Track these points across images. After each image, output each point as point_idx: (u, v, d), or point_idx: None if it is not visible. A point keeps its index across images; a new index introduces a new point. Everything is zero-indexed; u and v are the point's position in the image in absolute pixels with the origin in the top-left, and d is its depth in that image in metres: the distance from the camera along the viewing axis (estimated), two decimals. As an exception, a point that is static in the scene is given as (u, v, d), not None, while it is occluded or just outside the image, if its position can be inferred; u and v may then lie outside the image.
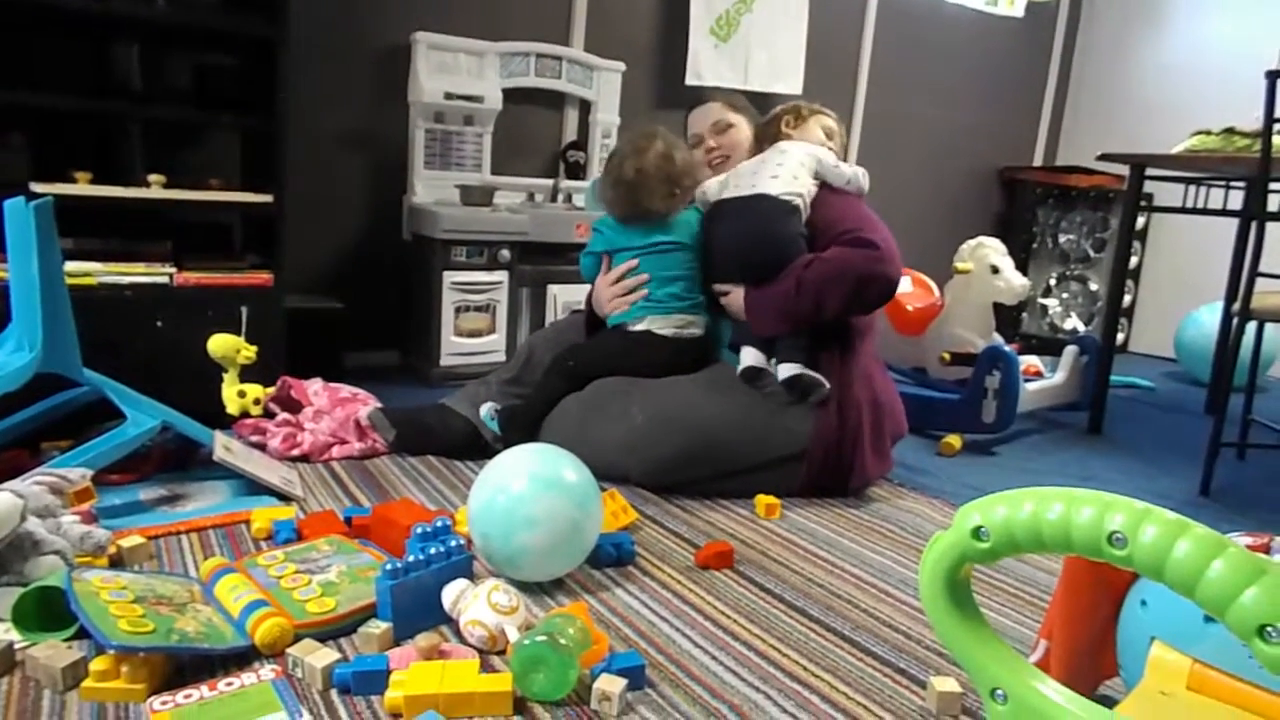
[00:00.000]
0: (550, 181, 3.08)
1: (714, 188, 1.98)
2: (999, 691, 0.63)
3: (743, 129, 2.09)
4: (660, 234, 1.94)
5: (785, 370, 1.80)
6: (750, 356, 1.86)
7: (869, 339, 1.95)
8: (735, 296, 1.90)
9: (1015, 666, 0.63)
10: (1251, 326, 2.18)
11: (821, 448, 1.82)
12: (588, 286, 2.79)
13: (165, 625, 1.07)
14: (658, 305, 1.93)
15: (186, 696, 0.99)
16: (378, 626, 1.14)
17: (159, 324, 1.99)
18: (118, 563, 1.31)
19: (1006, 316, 3.59)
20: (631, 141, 1.96)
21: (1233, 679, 0.72)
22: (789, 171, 1.89)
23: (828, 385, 1.80)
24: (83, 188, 1.94)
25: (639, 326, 1.94)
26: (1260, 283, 2.07)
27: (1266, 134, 2.07)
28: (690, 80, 3.31)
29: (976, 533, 0.59)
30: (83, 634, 1.05)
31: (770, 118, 2.11)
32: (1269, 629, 0.47)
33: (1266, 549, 0.80)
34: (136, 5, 1.99)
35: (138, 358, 1.92)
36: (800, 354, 1.81)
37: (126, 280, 1.97)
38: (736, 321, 1.93)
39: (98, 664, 1.00)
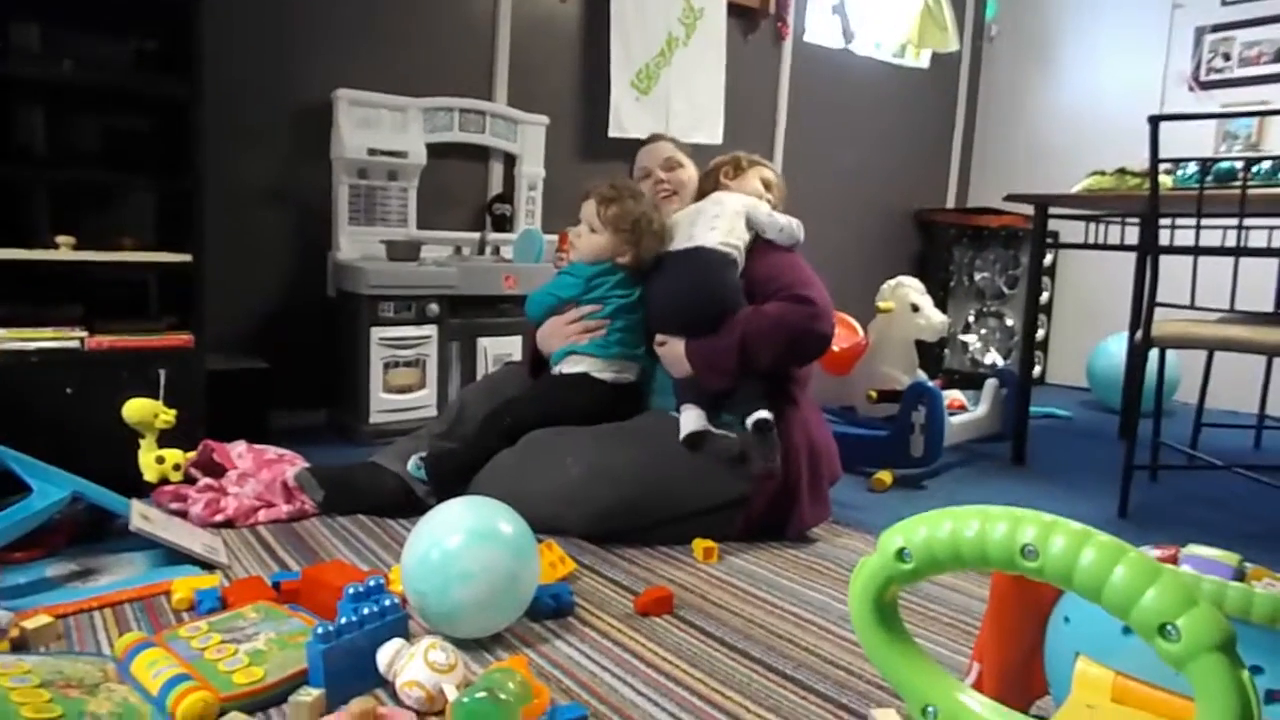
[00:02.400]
0: (477, 234, 3.08)
1: None
2: (930, 708, 0.65)
3: (689, 170, 2.15)
4: (624, 286, 1.96)
5: (755, 416, 1.80)
6: (690, 421, 1.83)
7: (807, 386, 1.99)
8: (674, 348, 1.90)
9: (943, 683, 0.65)
10: (1154, 354, 2.29)
11: (760, 495, 1.83)
12: (518, 339, 2.81)
13: (75, 709, 1.00)
14: (603, 350, 1.94)
15: (100, 782, 0.93)
16: (309, 694, 1.10)
17: (69, 390, 1.91)
18: (21, 646, 1.23)
19: (929, 353, 3.72)
20: (634, 192, 1.98)
21: (1153, 688, 0.75)
22: (725, 223, 1.93)
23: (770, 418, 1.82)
24: (-15, 251, 1.86)
25: (578, 369, 1.94)
26: (1159, 312, 2.19)
27: (1154, 174, 2.21)
28: (613, 132, 3.38)
29: (900, 554, 0.61)
30: (-17, 724, 0.98)
31: (710, 169, 2.15)
32: (1169, 626, 0.50)
33: (1174, 559, 0.83)
34: (41, 67, 1.94)
35: (47, 426, 1.83)
36: (764, 400, 1.83)
37: (33, 346, 1.88)
38: (670, 375, 1.93)
39: (1, 754, 0.94)
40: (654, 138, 2.23)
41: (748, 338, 1.81)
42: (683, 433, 1.82)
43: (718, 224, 1.93)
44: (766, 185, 2.10)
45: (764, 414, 1.80)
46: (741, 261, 1.93)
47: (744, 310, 1.85)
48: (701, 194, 2.10)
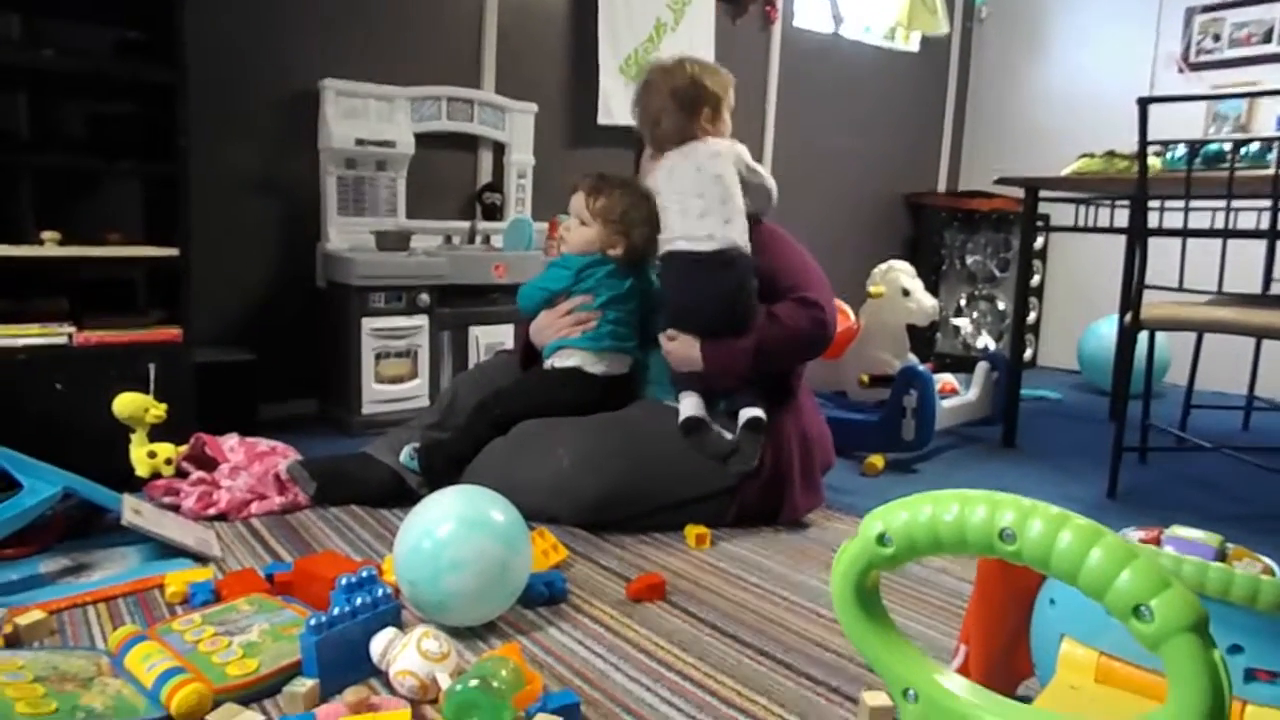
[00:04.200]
0: (467, 224, 3.08)
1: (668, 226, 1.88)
2: (910, 691, 0.65)
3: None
4: (617, 276, 1.95)
5: (749, 413, 1.81)
6: (690, 406, 1.83)
7: (801, 373, 2.00)
8: (688, 348, 1.85)
9: (924, 666, 0.66)
10: (1144, 336, 2.30)
11: (752, 483, 1.84)
12: (510, 328, 2.81)
13: (69, 703, 1.01)
14: (594, 343, 1.93)
15: (95, 775, 0.93)
16: (303, 684, 1.10)
17: (58, 386, 1.90)
18: (15, 642, 1.23)
19: (921, 337, 3.72)
20: (623, 183, 1.95)
21: (1136, 668, 0.76)
22: (737, 204, 1.83)
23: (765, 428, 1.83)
24: (-30, 248, 1.85)
25: (570, 362, 1.94)
26: (1149, 294, 2.20)
27: (1142, 156, 2.22)
28: (602, 119, 3.37)
29: (880, 539, 0.62)
30: (-22, 719, 0.99)
31: (684, 100, 1.90)
32: (1142, 608, 0.50)
33: (1157, 541, 0.84)
34: (22, 53, 1.92)
35: (37, 422, 1.83)
36: (761, 399, 1.84)
37: (20, 342, 1.88)
38: (676, 370, 1.90)
39: (-5, 749, 0.94)
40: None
41: (763, 346, 1.81)
42: (681, 416, 1.83)
43: (730, 210, 1.82)
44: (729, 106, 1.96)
45: (757, 412, 1.80)
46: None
47: (760, 316, 1.84)
48: (676, 134, 1.90)
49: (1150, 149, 2.22)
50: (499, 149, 3.17)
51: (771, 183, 1.95)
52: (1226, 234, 2.10)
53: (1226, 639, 0.75)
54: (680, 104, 1.90)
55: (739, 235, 1.83)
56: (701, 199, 1.84)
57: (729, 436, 1.82)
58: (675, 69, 1.94)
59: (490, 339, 2.80)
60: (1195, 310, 2.18)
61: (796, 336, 1.82)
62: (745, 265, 1.83)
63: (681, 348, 1.86)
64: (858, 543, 0.63)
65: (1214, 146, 2.36)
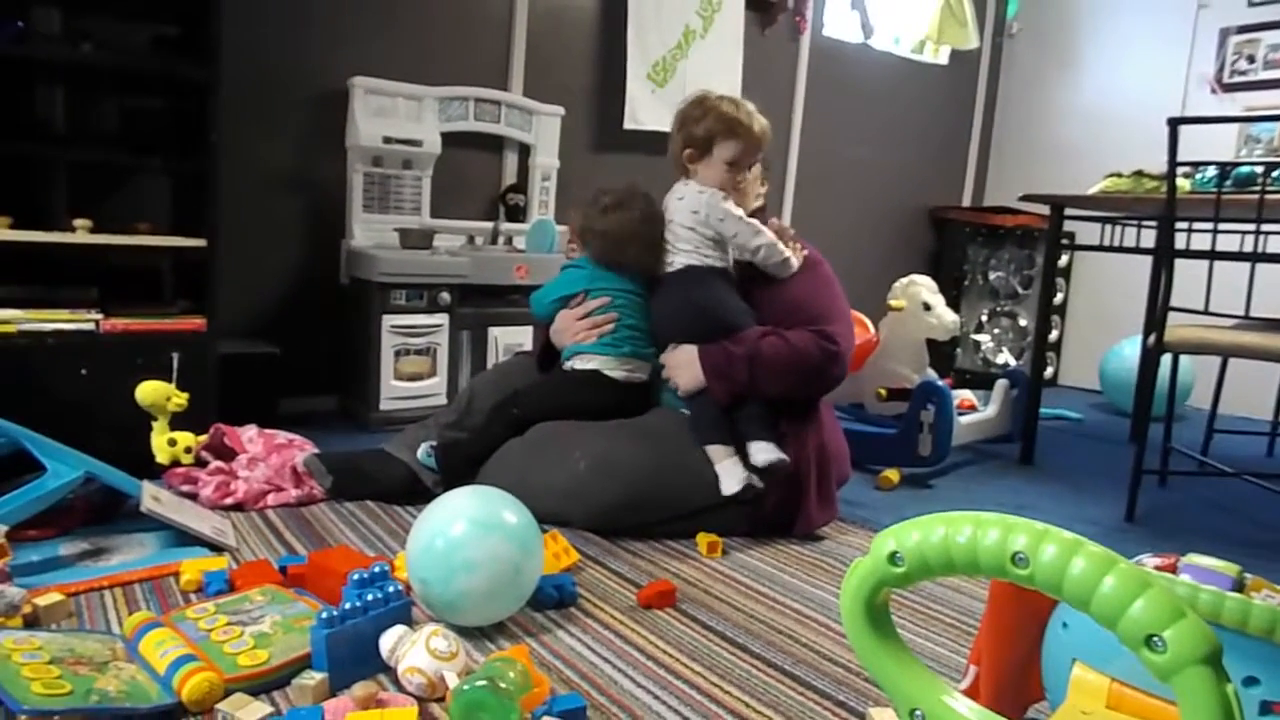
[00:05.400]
0: (490, 224, 3.09)
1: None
2: (917, 712, 0.65)
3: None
4: (633, 282, 1.96)
5: (761, 454, 1.77)
6: (735, 478, 1.77)
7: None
8: (685, 351, 1.85)
9: (932, 687, 0.65)
10: (1167, 359, 2.28)
11: (769, 495, 1.82)
12: (529, 329, 2.82)
13: (84, 686, 1.02)
14: (613, 347, 1.93)
15: (106, 759, 0.95)
16: (312, 677, 1.11)
17: (84, 372, 1.93)
18: (34, 623, 1.26)
19: (941, 352, 3.70)
20: (619, 197, 1.95)
21: (1147, 695, 0.75)
22: (685, 243, 1.88)
23: (788, 460, 1.80)
24: (2, 233, 1.88)
25: (590, 365, 1.94)
26: (1174, 316, 2.18)
27: (1171, 177, 2.20)
28: (629, 124, 3.38)
29: (892, 558, 0.61)
30: (-6, 699, 1.00)
31: (677, 139, 1.94)
32: (1155, 638, 0.50)
33: (1173, 568, 0.83)
34: (60, 48, 1.96)
35: (61, 407, 1.86)
36: (771, 431, 1.80)
37: (49, 328, 1.91)
38: (679, 393, 1.88)
39: (10, 729, 0.96)
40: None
41: (761, 354, 1.79)
42: (727, 490, 1.77)
43: (678, 244, 1.88)
44: (734, 162, 1.88)
45: (774, 455, 1.76)
46: (729, 261, 1.90)
47: (757, 328, 1.84)
48: (674, 165, 1.97)
49: (1179, 170, 2.20)
50: (524, 151, 3.19)
51: (755, 240, 1.86)
52: (1256, 258, 2.07)
53: (1242, 671, 0.74)
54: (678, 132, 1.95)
55: (692, 262, 1.88)
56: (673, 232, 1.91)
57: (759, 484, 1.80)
58: (704, 101, 1.92)
59: (510, 340, 2.81)
60: (1221, 334, 2.15)
61: (800, 357, 1.79)
62: (700, 272, 1.86)
63: (681, 353, 1.86)
64: (869, 561, 0.63)
65: (1245, 169, 2.34)
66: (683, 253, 1.89)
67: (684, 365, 1.86)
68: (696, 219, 1.87)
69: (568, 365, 1.98)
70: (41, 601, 1.28)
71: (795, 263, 1.90)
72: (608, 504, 1.78)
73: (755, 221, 1.88)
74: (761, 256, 1.88)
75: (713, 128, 1.87)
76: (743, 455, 1.80)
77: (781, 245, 1.88)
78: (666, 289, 1.92)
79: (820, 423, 1.91)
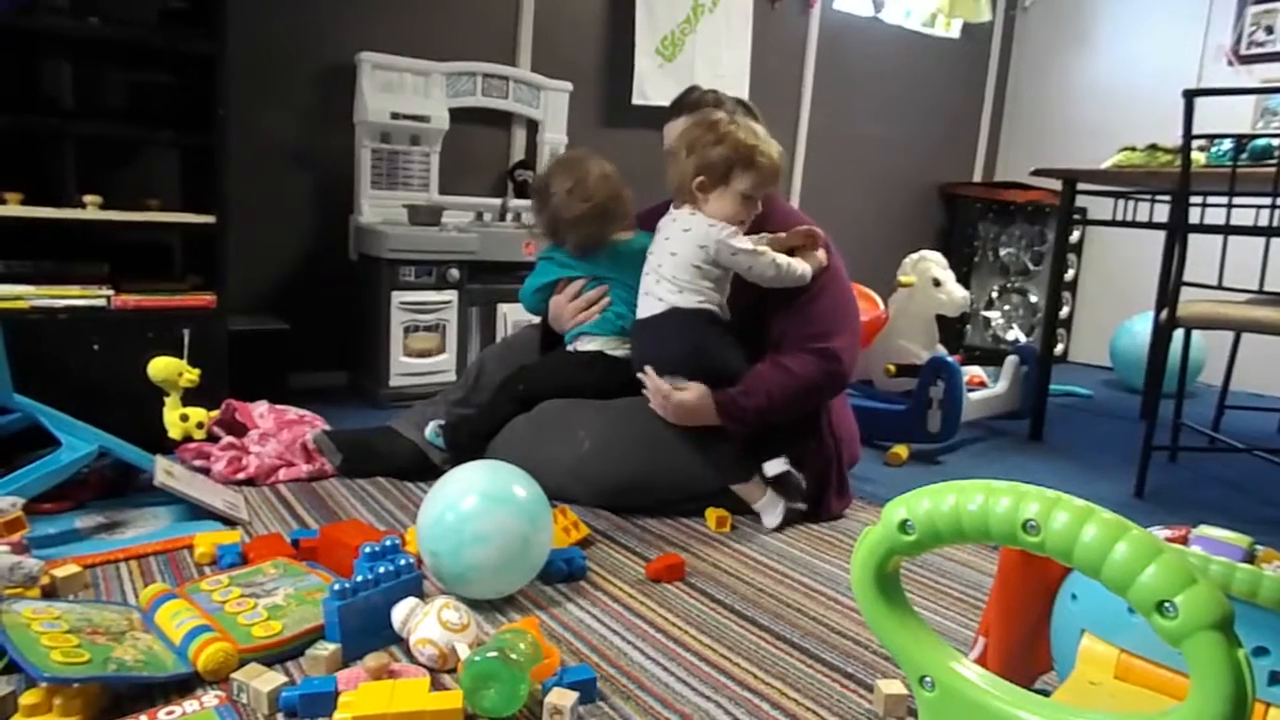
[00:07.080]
0: (499, 200, 3.08)
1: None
2: (927, 679, 0.65)
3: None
4: (611, 263, 1.92)
5: (771, 468, 1.75)
6: (775, 513, 1.77)
7: None
8: (698, 397, 1.72)
9: (941, 654, 0.66)
10: (1179, 334, 2.26)
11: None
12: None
13: (101, 655, 1.04)
14: (612, 325, 1.92)
15: (125, 726, 0.96)
16: (325, 648, 1.13)
17: (95, 347, 1.95)
18: (51, 593, 1.27)
19: (951, 328, 3.69)
20: (572, 171, 1.88)
21: (1155, 666, 0.76)
22: (687, 279, 1.72)
23: (804, 484, 1.78)
24: (13, 209, 1.89)
25: (592, 346, 1.93)
26: (1186, 292, 2.16)
27: (1186, 151, 2.17)
28: (636, 100, 3.35)
29: (903, 526, 0.61)
30: (13, 668, 1.02)
31: (683, 163, 1.73)
32: (1166, 604, 0.50)
33: (1184, 540, 0.83)
34: (68, 22, 1.95)
35: (74, 382, 1.87)
36: (783, 444, 1.77)
37: (61, 303, 1.92)
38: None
39: (28, 698, 0.97)
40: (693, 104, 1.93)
41: (775, 401, 1.72)
42: (770, 524, 1.77)
43: (664, 278, 1.73)
44: (749, 197, 1.72)
45: (782, 467, 1.75)
46: (724, 294, 1.78)
47: (763, 366, 1.74)
48: (676, 189, 1.77)
49: (1194, 143, 2.17)
50: (532, 126, 3.17)
51: (770, 271, 1.73)
52: (1271, 232, 2.05)
53: (1252, 641, 0.74)
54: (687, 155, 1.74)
55: (690, 304, 1.74)
56: (659, 265, 1.77)
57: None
58: (717, 125, 1.73)
59: (519, 316, 2.80)
60: (1234, 309, 2.13)
61: (804, 384, 1.74)
62: (703, 321, 1.74)
63: (693, 398, 1.72)
64: (880, 528, 0.63)
65: (1261, 142, 2.31)
66: (670, 291, 1.73)
67: (692, 413, 1.74)
68: (703, 255, 1.71)
69: (571, 347, 1.97)
70: (59, 573, 1.30)
71: (811, 271, 1.78)
72: (612, 485, 1.78)
73: (764, 248, 1.74)
74: (778, 280, 1.75)
75: (731, 157, 1.69)
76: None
77: (793, 262, 1.76)
78: (653, 323, 1.78)
79: (832, 409, 1.88)
